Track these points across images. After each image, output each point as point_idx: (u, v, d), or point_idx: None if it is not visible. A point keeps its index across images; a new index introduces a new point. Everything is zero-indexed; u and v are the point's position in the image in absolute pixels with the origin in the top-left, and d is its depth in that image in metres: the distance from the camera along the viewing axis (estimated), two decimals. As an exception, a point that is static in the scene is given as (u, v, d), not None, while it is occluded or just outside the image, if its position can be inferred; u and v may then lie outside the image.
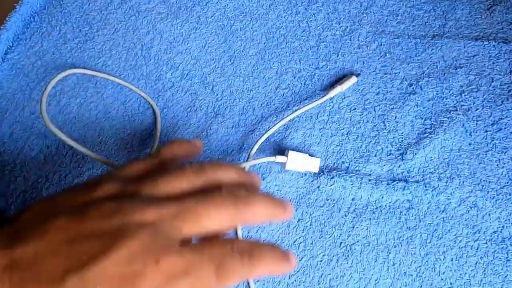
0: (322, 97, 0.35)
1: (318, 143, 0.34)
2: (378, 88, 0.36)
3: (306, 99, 0.36)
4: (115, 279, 0.16)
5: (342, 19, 0.38)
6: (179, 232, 0.18)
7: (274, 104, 0.36)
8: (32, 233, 0.17)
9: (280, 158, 0.32)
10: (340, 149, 0.34)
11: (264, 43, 0.37)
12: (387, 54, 0.37)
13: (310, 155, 0.34)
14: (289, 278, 0.31)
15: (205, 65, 0.36)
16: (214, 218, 0.19)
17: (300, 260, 0.32)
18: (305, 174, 0.34)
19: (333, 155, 0.34)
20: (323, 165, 0.34)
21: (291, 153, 0.32)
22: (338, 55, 0.37)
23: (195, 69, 0.36)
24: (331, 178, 0.33)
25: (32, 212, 0.19)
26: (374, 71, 0.37)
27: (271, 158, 0.32)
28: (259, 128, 0.35)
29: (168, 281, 0.17)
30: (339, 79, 0.36)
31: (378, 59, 0.37)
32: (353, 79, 0.35)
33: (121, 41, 0.37)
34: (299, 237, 0.32)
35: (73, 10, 0.38)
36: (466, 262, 0.32)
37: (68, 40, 0.37)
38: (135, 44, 0.37)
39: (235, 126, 0.35)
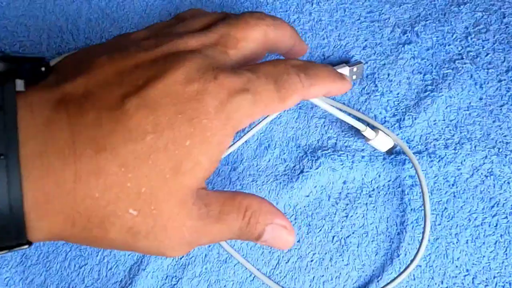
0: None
1: (296, 118, 0.28)
2: (365, 40, 0.29)
3: (277, 65, 0.29)
4: (178, 97, 0.16)
5: (313, -44, 0.31)
6: (226, 56, 0.19)
7: (239, 75, 0.29)
8: (78, 72, 0.17)
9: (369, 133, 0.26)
10: (324, 122, 0.28)
11: (219, -2, 0.30)
12: (372, -4, 0.30)
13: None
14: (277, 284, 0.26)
15: (148, 34, 0.29)
16: (255, 37, 0.19)
17: (286, 263, 0.26)
18: (285, 160, 0.28)
19: (316, 130, 0.28)
20: (305, 144, 0.28)
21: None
22: (313, 4, 0.30)
23: (137, 41, 0.29)
24: (316, 159, 0.27)
25: (72, 58, 0.19)
26: (359, 19, 0.30)
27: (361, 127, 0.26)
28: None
29: (230, 96, 0.17)
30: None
31: (362, 3, 0.30)
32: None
33: (40, 14, 0.29)
34: (283, 236, 0.27)
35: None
36: (484, 243, 0.27)
37: None
38: (57, 16, 0.29)
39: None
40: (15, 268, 0.26)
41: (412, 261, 0.25)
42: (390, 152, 0.27)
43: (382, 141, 0.26)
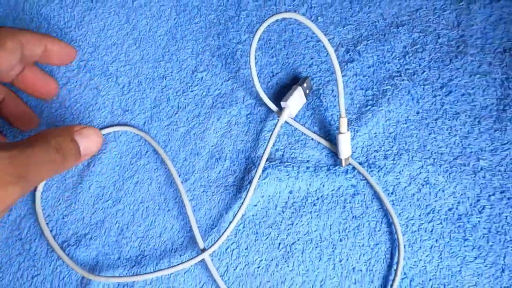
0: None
1: (246, 132, 0.30)
2: (311, 58, 0.31)
3: (228, 80, 0.31)
4: None
5: (264, -20, 0.33)
6: None
7: (192, 91, 0.30)
8: None
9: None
10: (270, 136, 0.30)
11: (175, 19, 0.32)
12: (318, 18, 0.32)
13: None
14: (223, 292, 0.27)
15: (105, 52, 0.31)
16: None
17: (234, 270, 0.28)
18: (234, 172, 0.29)
19: (264, 143, 0.30)
20: (254, 156, 0.29)
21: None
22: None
23: (94, 58, 0.31)
24: (264, 170, 0.29)
25: None
26: (305, 39, 0.32)
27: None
28: (176, 122, 0.30)
29: None
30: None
31: (309, 24, 0.32)
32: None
33: None
34: (232, 243, 0.28)
35: None
36: (420, 247, 0.28)
37: None
38: (16, 35, 0.30)
39: (146, 122, 0.30)
40: (-32, 280, 0.27)
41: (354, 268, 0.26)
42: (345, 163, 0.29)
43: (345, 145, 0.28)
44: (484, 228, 0.29)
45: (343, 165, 0.29)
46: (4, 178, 0.19)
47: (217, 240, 0.26)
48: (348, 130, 0.28)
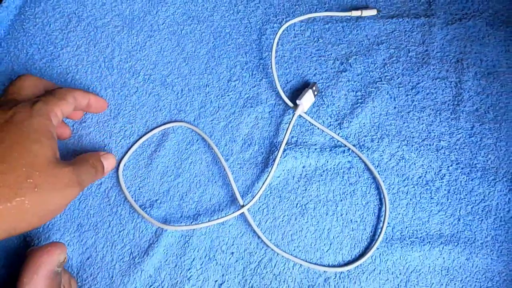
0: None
1: (269, 124, 0.40)
2: (315, 70, 0.42)
3: (254, 87, 0.41)
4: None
5: (278, 12, 0.44)
6: None
7: (228, 95, 0.41)
8: None
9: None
10: (288, 126, 0.40)
11: (213, 42, 0.42)
12: (319, 39, 0.43)
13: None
14: (258, 238, 0.37)
15: (163, 68, 0.41)
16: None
17: (265, 223, 0.38)
18: (262, 153, 0.40)
19: (283, 131, 0.40)
20: (276, 141, 0.40)
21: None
22: (278, 45, 0.43)
23: (155, 73, 0.41)
24: (284, 151, 0.39)
25: None
26: (310, 55, 0.43)
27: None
28: (218, 118, 0.40)
29: None
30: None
31: (312, 44, 0.43)
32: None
33: (85, 56, 0.41)
34: (262, 204, 0.38)
35: (36, 33, 0.41)
36: (399, 204, 0.39)
37: (36, 61, 0.41)
38: (97, 57, 0.41)
39: (196, 119, 0.40)
40: None
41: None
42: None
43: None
44: (445, 190, 0.39)
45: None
46: (72, 183, 0.30)
47: (252, 199, 0.36)
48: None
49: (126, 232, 0.37)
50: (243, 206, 0.37)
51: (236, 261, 0.37)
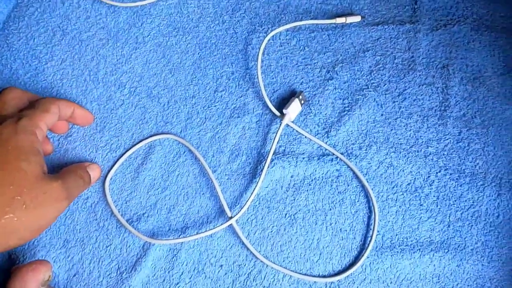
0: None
1: (257, 134, 0.40)
2: (301, 78, 0.42)
3: (241, 97, 0.41)
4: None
5: (263, 22, 0.44)
6: None
7: (215, 106, 0.41)
8: None
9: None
10: (275, 136, 0.40)
11: (198, 53, 0.42)
12: (305, 48, 0.43)
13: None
14: (247, 249, 0.37)
15: (149, 80, 0.41)
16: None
17: (254, 234, 0.38)
18: (250, 163, 0.39)
19: (270, 141, 0.40)
20: (263, 151, 0.40)
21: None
22: (264, 54, 0.43)
23: (141, 85, 0.41)
24: (271, 161, 0.39)
25: None
26: (297, 64, 0.43)
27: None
28: (205, 129, 0.40)
29: None
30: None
31: (299, 53, 0.43)
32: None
33: (70, 70, 0.41)
34: (251, 215, 0.38)
35: (20, 47, 0.41)
36: (388, 212, 0.39)
37: (20, 75, 0.40)
38: (82, 71, 0.41)
39: (182, 130, 0.40)
40: None
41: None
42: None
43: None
44: (434, 196, 0.39)
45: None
46: (60, 197, 0.30)
47: (240, 210, 0.36)
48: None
49: (113, 247, 0.37)
50: (231, 217, 0.36)
51: (225, 274, 0.37)
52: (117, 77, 0.41)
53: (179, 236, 0.37)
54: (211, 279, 0.36)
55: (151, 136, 0.40)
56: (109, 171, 0.38)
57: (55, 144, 0.39)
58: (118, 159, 0.39)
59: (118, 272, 0.36)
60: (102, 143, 0.39)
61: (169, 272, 0.36)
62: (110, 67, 0.41)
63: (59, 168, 0.38)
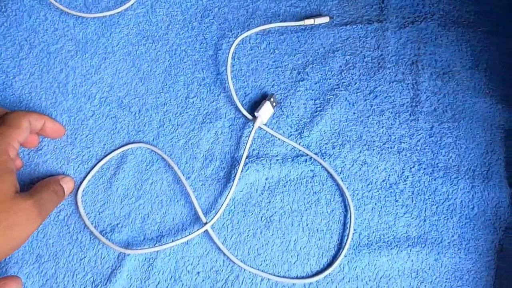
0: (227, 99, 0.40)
1: (230, 138, 0.40)
2: (273, 81, 0.42)
3: (213, 102, 0.41)
4: None
5: (233, 27, 0.44)
6: None
7: (187, 112, 0.41)
8: None
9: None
10: (248, 140, 0.40)
11: (169, 61, 0.42)
12: (275, 51, 0.43)
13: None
14: (223, 255, 0.36)
15: (119, 90, 0.41)
16: None
17: (230, 239, 0.37)
18: (223, 168, 0.39)
19: (243, 145, 0.40)
20: (237, 155, 0.40)
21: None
22: (235, 59, 0.43)
23: (111, 95, 0.41)
24: (245, 165, 0.39)
25: None
26: (267, 67, 0.43)
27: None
28: (177, 136, 0.40)
29: None
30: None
31: (269, 56, 0.43)
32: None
33: (38, 83, 0.40)
34: (226, 220, 0.38)
35: (-13, 63, 0.41)
36: (364, 210, 0.39)
37: (-12, 91, 0.40)
38: (51, 83, 0.41)
39: (155, 138, 0.40)
40: None
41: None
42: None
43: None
44: (409, 191, 0.39)
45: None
46: (32, 217, 0.30)
47: (214, 216, 0.36)
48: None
49: (88, 259, 0.36)
50: (206, 223, 0.36)
51: (203, 280, 0.36)
52: (87, 88, 0.41)
53: (155, 245, 0.37)
54: (189, 287, 0.36)
55: (123, 145, 0.39)
56: (81, 183, 0.38)
57: (25, 158, 0.38)
58: (90, 171, 0.38)
59: (93, 285, 0.35)
60: (73, 155, 0.39)
61: (145, 282, 0.36)
62: (80, 78, 0.41)
63: (31, 183, 0.37)
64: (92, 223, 0.37)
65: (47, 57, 0.41)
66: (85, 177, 0.38)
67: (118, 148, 0.39)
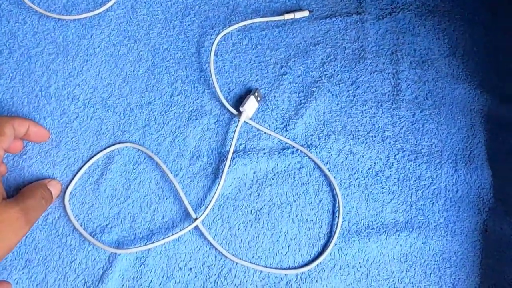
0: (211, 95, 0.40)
1: (216, 134, 0.40)
2: (256, 76, 0.43)
3: (197, 99, 0.41)
4: None
5: (214, 24, 0.44)
6: None
7: (172, 110, 0.41)
8: None
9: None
10: (234, 135, 0.40)
11: (151, 60, 0.42)
12: (257, 46, 0.44)
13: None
14: (215, 250, 0.37)
15: (103, 91, 0.41)
16: None
17: (221, 233, 0.38)
18: (211, 164, 0.39)
19: (230, 140, 0.40)
20: (224, 151, 0.40)
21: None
22: (218, 56, 0.43)
23: (95, 96, 0.41)
24: (232, 159, 0.39)
25: None
26: (250, 62, 0.43)
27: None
28: (163, 134, 0.40)
29: None
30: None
31: (251, 51, 0.44)
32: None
33: (20, 87, 0.40)
34: (216, 215, 0.38)
35: (-34, 69, 0.40)
36: (352, 198, 0.39)
37: (-32, 97, 0.39)
38: (33, 87, 0.40)
39: (141, 138, 0.40)
40: None
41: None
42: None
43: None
44: (394, 178, 0.40)
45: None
46: (19, 224, 0.30)
47: (204, 211, 0.36)
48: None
49: (78, 262, 0.36)
50: (196, 219, 0.36)
51: (195, 276, 0.36)
52: (70, 91, 0.40)
53: (145, 244, 0.37)
54: (182, 284, 0.36)
55: (109, 146, 0.39)
56: (68, 185, 0.38)
57: (10, 164, 0.38)
58: (76, 173, 0.38)
59: (85, 287, 0.35)
60: (59, 158, 0.38)
61: (137, 281, 0.36)
62: (62, 81, 0.41)
63: (17, 188, 0.37)
64: (81, 225, 0.37)
65: (28, 61, 0.41)
66: (72, 180, 0.38)
67: (104, 149, 0.39)
